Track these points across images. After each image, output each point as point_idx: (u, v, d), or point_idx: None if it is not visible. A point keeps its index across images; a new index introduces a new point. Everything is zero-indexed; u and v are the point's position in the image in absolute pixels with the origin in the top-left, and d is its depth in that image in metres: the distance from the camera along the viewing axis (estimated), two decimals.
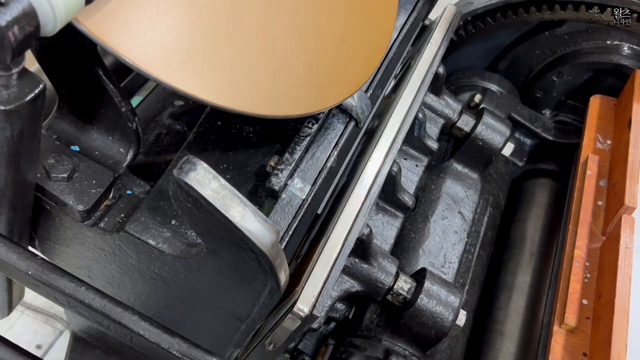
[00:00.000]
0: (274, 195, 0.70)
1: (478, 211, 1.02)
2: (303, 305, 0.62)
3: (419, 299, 0.76)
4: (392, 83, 0.93)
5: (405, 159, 1.00)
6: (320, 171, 0.73)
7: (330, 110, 0.76)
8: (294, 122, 0.77)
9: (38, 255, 0.62)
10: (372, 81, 0.84)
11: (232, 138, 0.76)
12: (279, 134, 0.77)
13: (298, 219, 0.69)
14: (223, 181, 0.53)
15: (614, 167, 0.91)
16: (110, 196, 0.69)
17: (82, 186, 0.66)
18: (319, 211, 0.77)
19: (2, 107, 0.47)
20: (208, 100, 0.59)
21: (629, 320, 0.69)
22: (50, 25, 0.45)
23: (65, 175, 0.65)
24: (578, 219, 0.86)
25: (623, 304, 0.70)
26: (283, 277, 0.60)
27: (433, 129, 1.01)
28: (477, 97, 1.09)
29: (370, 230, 0.75)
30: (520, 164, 1.13)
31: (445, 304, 0.77)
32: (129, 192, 0.71)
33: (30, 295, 2.09)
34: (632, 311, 0.71)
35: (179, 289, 0.71)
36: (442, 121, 1.02)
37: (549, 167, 1.10)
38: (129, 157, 0.68)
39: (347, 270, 0.78)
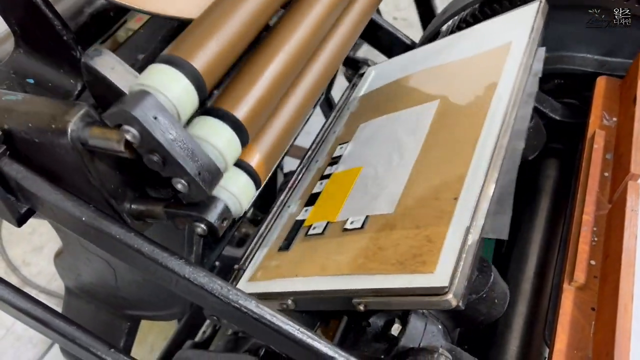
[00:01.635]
0: None
1: None
2: (454, 298, 0.64)
3: (485, 290, 0.78)
4: None
5: None
6: None
7: None
8: None
9: (91, 204, 0.67)
10: None
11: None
12: None
13: None
14: (126, 66, 0.59)
15: (620, 141, 0.96)
16: None
17: None
18: None
19: None
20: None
21: (634, 273, 0.74)
22: (238, 212, 0.67)
23: None
24: (586, 188, 0.91)
25: (629, 260, 0.75)
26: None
27: None
28: None
29: None
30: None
31: (502, 297, 0.80)
32: None
33: (44, 280, 2.14)
34: (638, 267, 0.76)
35: None
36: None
37: (556, 146, 1.15)
38: (78, 87, 0.73)
39: None
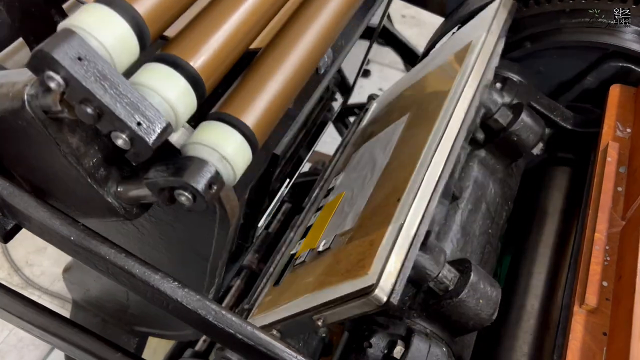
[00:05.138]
0: None
1: (499, 204, 1.04)
2: (381, 293, 0.64)
3: (464, 291, 0.77)
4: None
5: None
6: None
7: None
8: None
9: (79, 222, 0.64)
10: None
11: None
12: None
13: None
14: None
15: (634, 154, 0.92)
16: None
17: None
18: (278, 152, 0.80)
19: None
20: None
21: None
22: (231, 179, 0.58)
23: None
24: (598, 204, 0.88)
25: None
26: (229, 203, 0.61)
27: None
28: (498, 85, 1.11)
29: (434, 220, 0.77)
30: (539, 152, 1.14)
31: (488, 299, 0.78)
32: None
33: (47, 281, 2.13)
34: None
35: (148, 235, 0.74)
36: (483, 111, 1.04)
37: (567, 155, 1.11)
38: None
39: None
